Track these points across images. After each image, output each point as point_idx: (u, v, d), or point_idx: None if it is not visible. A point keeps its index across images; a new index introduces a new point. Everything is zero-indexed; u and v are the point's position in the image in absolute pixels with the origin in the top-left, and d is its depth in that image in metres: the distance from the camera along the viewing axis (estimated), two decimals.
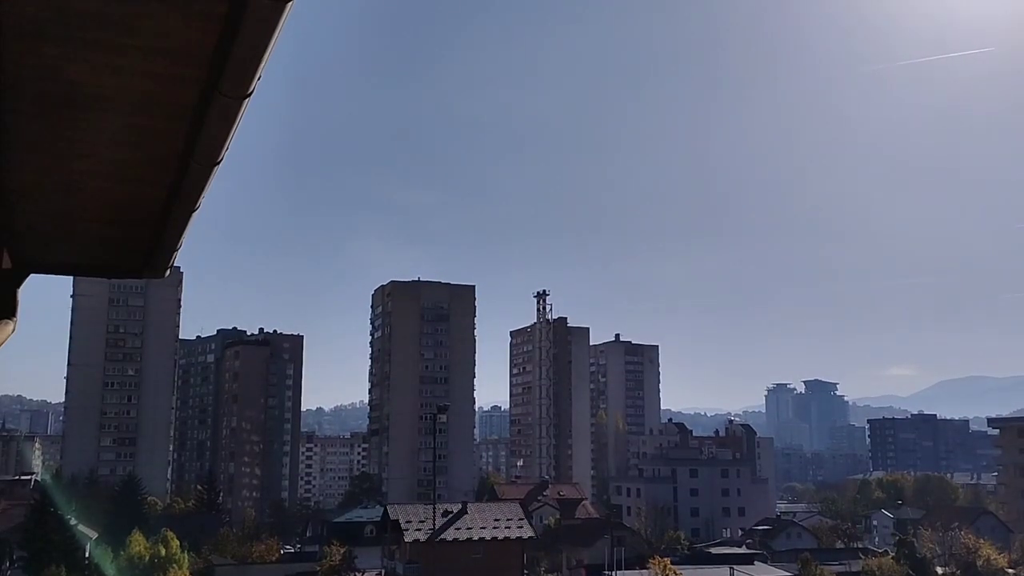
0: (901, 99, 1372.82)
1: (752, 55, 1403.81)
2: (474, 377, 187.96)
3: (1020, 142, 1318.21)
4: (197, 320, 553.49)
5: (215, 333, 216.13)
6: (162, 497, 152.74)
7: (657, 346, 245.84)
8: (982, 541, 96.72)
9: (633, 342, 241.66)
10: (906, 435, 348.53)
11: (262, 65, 3.46)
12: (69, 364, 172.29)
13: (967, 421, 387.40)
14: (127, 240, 5.93)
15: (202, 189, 4.71)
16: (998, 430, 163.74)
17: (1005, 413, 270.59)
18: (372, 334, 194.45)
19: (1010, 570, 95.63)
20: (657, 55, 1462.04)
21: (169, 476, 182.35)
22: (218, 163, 4.36)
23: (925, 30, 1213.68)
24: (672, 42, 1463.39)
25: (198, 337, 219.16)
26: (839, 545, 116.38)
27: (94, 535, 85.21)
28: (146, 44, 3.48)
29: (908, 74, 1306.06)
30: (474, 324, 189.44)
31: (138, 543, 76.73)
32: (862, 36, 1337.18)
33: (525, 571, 78.06)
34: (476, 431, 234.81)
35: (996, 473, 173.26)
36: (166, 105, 3.99)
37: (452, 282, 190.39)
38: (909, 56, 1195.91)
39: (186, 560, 77.40)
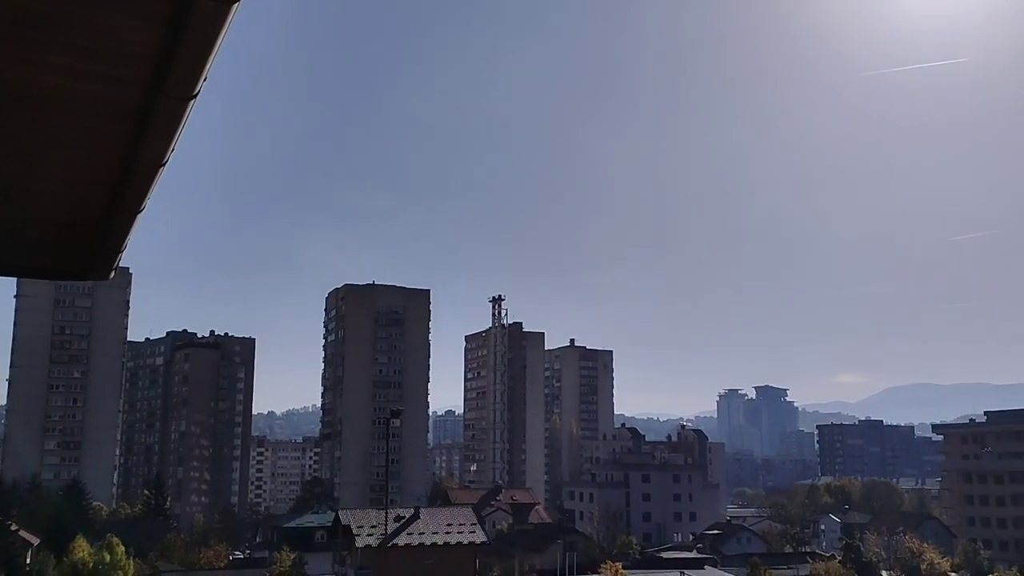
0: (861, 110, 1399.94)
1: (710, 66, 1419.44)
2: (428, 381, 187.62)
3: (973, 152, 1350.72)
4: (146, 322, 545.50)
5: (164, 335, 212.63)
6: (108, 502, 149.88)
7: (611, 351, 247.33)
8: (926, 545, 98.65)
9: (588, 347, 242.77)
10: (854, 441, 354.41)
11: (208, 66, 3.42)
12: (12, 366, 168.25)
13: (913, 427, 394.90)
14: (71, 242, 5.83)
15: (147, 191, 4.65)
16: (942, 436, 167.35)
17: (949, 420, 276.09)
18: (325, 338, 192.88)
19: (953, 574, 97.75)
20: (615, 67, 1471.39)
21: (115, 481, 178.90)
22: (163, 165, 4.31)
23: (893, 42, 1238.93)
24: (631, 55, 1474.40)
25: (147, 339, 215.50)
26: (788, 549, 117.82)
27: (36, 541, 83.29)
28: (88, 44, 3.42)
29: (871, 85, 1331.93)
30: (429, 328, 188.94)
31: (82, 549, 75.07)
32: (824, 48, 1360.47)
33: None
34: (430, 436, 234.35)
35: (940, 479, 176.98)
36: (110, 106, 3.93)
37: (407, 286, 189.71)
38: (874, 67, 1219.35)
39: (132, 566, 75.88)
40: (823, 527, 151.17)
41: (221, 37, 3.23)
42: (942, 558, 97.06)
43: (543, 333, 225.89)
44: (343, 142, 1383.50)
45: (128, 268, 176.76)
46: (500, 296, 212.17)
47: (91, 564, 73.24)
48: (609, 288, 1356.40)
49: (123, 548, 75.64)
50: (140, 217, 5.07)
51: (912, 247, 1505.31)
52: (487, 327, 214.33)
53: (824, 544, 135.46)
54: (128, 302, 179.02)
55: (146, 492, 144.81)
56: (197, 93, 3.61)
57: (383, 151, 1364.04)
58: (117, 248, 5.61)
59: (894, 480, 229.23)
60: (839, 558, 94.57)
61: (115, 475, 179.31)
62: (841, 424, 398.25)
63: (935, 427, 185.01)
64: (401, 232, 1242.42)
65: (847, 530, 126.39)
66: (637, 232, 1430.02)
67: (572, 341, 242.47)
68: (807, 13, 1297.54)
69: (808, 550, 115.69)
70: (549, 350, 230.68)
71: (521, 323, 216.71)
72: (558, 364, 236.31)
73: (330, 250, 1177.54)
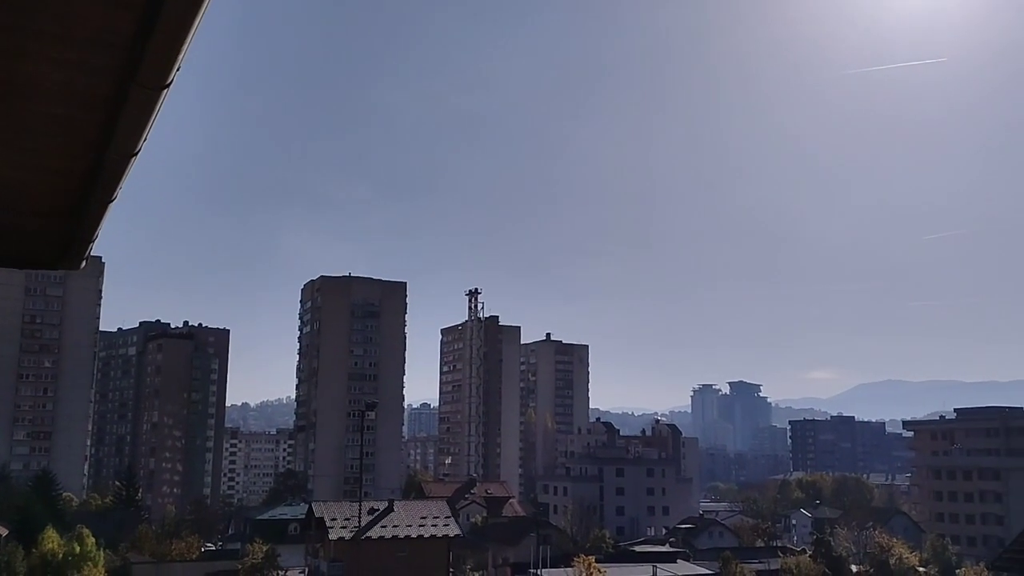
0: (843, 108, 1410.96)
1: (690, 63, 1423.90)
2: (404, 374, 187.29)
3: (948, 151, 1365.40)
4: (119, 312, 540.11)
5: (137, 325, 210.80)
6: (78, 493, 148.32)
7: (587, 346, 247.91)
8: (895, 540, 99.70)
9: (564, 342, 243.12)
10: (825, 436, 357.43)
11: (181, 56, 3.37)
12: None
13: (883, 424, 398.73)
14: (41, 231, 5.76)
15: (119, 180, 4.59)
16: (912, 432, 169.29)
17: (919, 416, 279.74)
18: (301, 329, 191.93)
19: (921, 568, 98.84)
20: (596, 64, 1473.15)
21: (86, 472, 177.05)
22: (136, 154, 4.26)
23: (877, 41, 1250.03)
24: (612, 52, 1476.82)
25: (119, 329, 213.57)
26: (759, 544, 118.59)
27: (4, 532, 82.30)
28: (59, 31, 3.36)
29: (853, 84, 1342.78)
30: (405, 321, 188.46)
31: (51, 540, 74.18)
32: (807, 46, 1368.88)
33: (451, 569, 77.84)
34: (405, 428, 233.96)
35: (910, 474, 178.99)
36: (81, 94, 3.87)
37: (383, 278, 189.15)
38: (856, 66, 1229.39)
39: (102, 558, 75.13)
40: (794, 522, 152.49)
41: (195, 26, 3.18)
42: (911, 553, 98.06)
43: (519, 327, 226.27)
44: (320, 133, 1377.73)
45: (101, 257, 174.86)
46: (477, 290, 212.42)
47: (61, 555, 72.47)
48: (585, 283, 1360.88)
49: (93, 539, 74.91)
50: (112, 207, 5.01)
51: (886, 245, 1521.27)
52: (463, 320, 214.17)
53: (795, 539, 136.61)
54: (100, 292, 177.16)
55: (117, 483, 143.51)
56: (170, 82, 3.56)
57: (361, 143, 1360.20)
58: (89, 237, 5.55)
59: (864, 476, 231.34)
60: (810, 552, 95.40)
61: (86, 466, 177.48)
62: (813, 420, 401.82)
63: (905, 423, 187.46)
64: (378, 224, 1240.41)
65: (818, 525, 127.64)
66: (614, 228, 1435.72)
67: (548, 335, 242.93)
68: (791, 12, 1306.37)
69: (779, 544, 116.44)
70: (525, 344, 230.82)
71: (497, 317, 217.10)
72: (534, 358, 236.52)
73: (306, 241, 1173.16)
